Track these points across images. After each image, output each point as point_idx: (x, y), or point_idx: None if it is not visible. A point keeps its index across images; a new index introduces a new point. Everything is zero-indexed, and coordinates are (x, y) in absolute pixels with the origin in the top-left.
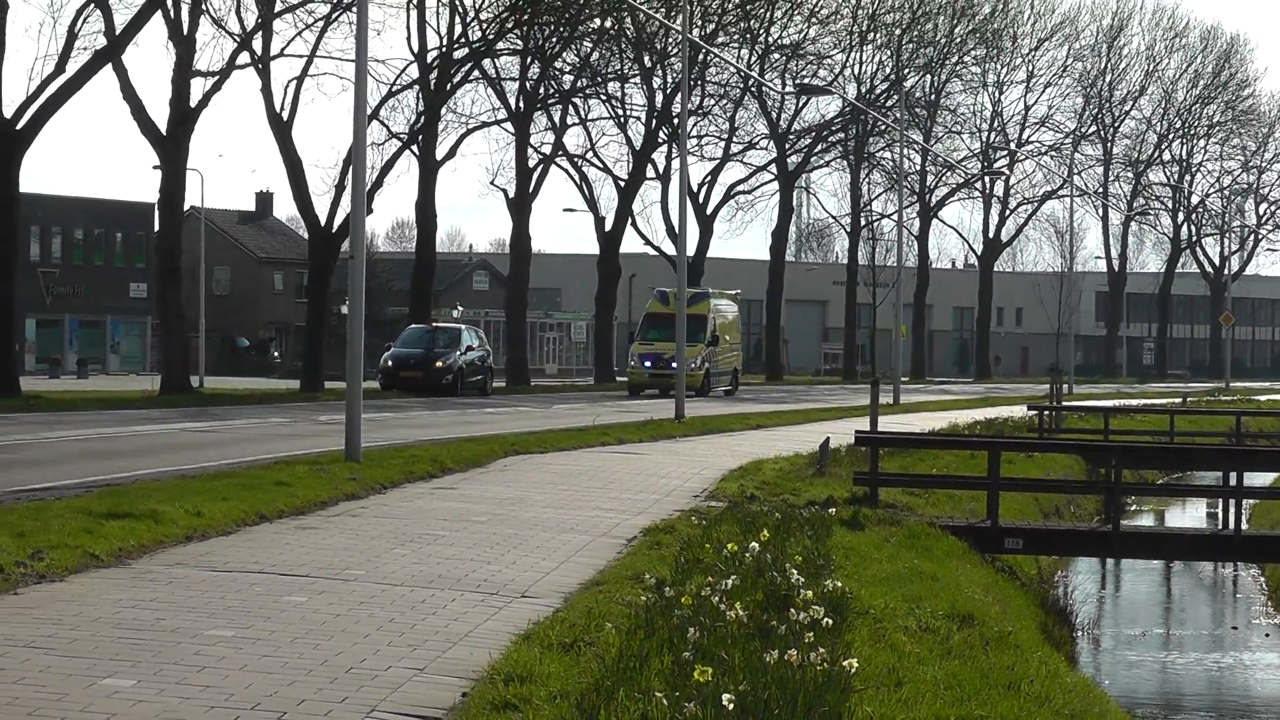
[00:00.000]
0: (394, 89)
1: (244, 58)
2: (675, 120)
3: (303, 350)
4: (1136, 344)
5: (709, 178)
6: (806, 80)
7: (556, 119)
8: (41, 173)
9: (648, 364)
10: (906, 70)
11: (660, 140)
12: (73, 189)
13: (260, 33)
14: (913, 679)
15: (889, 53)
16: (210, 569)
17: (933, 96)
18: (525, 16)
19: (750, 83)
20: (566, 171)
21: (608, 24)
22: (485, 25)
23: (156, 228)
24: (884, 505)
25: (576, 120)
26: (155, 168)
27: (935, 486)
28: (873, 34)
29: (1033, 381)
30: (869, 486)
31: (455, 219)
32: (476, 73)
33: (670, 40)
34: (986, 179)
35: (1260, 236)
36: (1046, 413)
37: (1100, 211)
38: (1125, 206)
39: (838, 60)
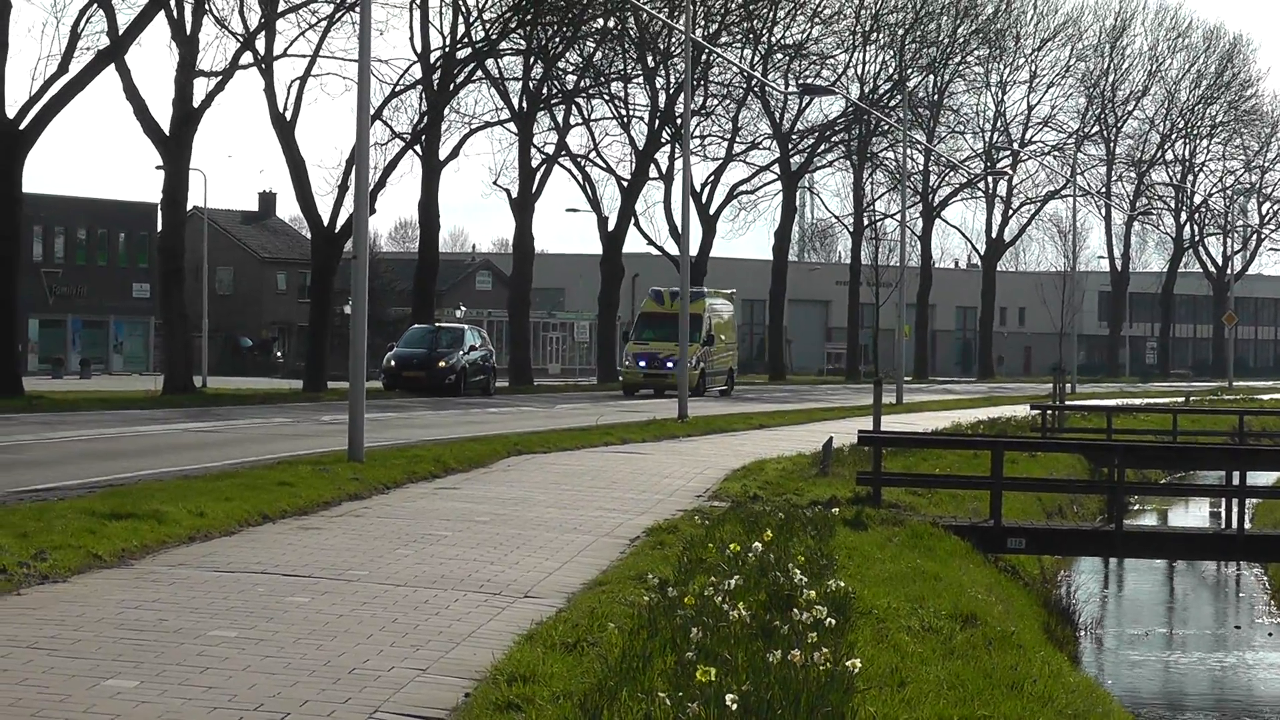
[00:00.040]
0: (397, 89)
1: (247, 58)
2: (678, 120)
3: (305, 350)
4: (1139, 344)
5: (712, 178)
6: (809, 80)
7: (559, 119)
8: (44, 173)
9: (642, 364)
10: (909, 70)
11: (663, 140)
12: (76, 189)
13: (263, 33)
14: (916, 679)
15: (892, 53)
16: (213, 569)
17: (936, 96)
18: (528, 16)
19: (753, 83)
20: (569, 171)
21: (611, 24)
22: (488, 25)
23: (159, 228)
24: (887, 505)
25: (579, 120)
26: (158, 168)
27: (938, 486)
28: (876, 34)
29: (1036, 381)
30: (872, 486)
31: (458, 219)
32: (480, 73)
33: (673, 40)
34: (989, 179)
35: (1263, 236)
36: (1049, 412)
37: (1103, 211)
38: (1128, 206)
39: (841, 60)
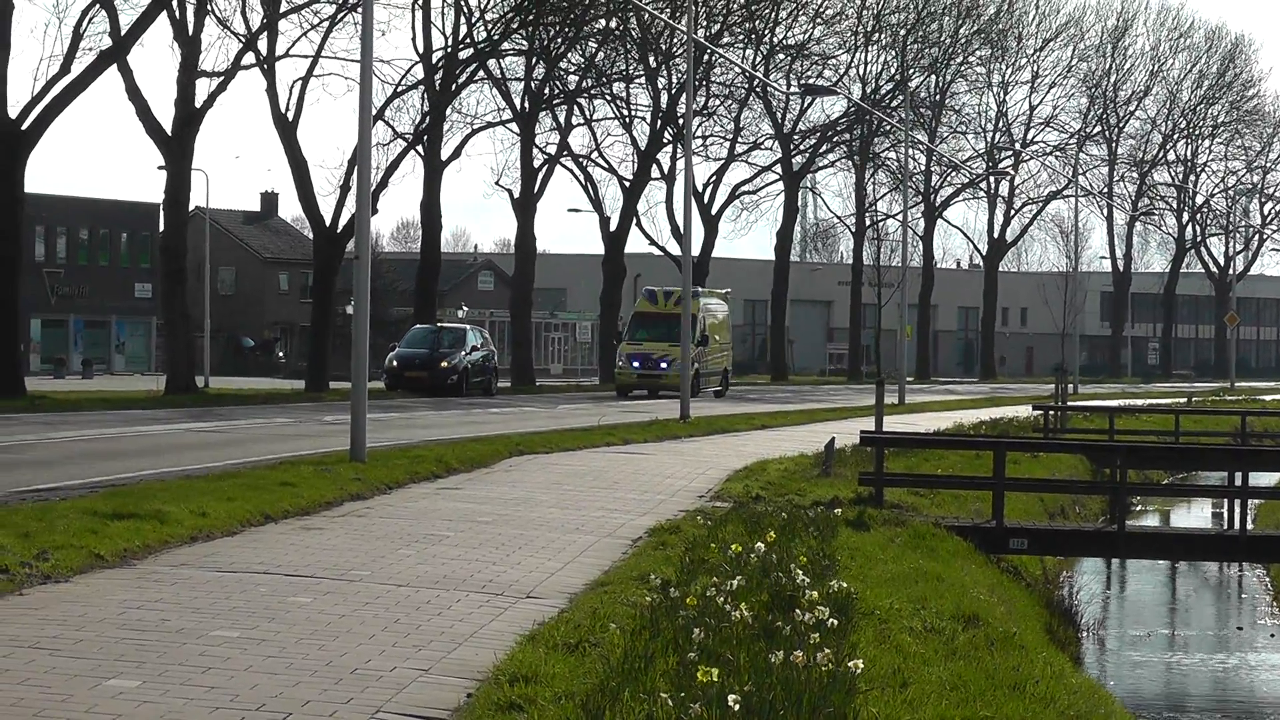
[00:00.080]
0: (399, 89)
1: (249, 58)
2: (680, 120)
3: (307, 350)
4: (1141, 344)
5: (714, 178)
6: (811, 80)
7: (561, 119)
8: (46, 173)
9: (636, 364)
10: (911, 70)
11: (665, 140)
12: (78, 189)
13: (265, 33)
14: (918, 680)
15: (894, 53)
16: (215, 569)
17: (937, 97)
18: (530, 17)
19: (755, 83)
20: (571, 172)
21: (613, 24)
22: (490, 26)
23: (161, 228)
24: (889, 505)
25: (581, 120)
26: (160, 168)
27: (940, 487)
28: (877, 34)
29: (1038, 381)
30: (874, 487)
31: (460, 219)
32: (481, 73)
33: (675, 41)
34: (991, 179)
35: (1265, 236)
36: (1051, 413)
37: (1105, 211)
38: (1130, 206)
39: (842, 60)
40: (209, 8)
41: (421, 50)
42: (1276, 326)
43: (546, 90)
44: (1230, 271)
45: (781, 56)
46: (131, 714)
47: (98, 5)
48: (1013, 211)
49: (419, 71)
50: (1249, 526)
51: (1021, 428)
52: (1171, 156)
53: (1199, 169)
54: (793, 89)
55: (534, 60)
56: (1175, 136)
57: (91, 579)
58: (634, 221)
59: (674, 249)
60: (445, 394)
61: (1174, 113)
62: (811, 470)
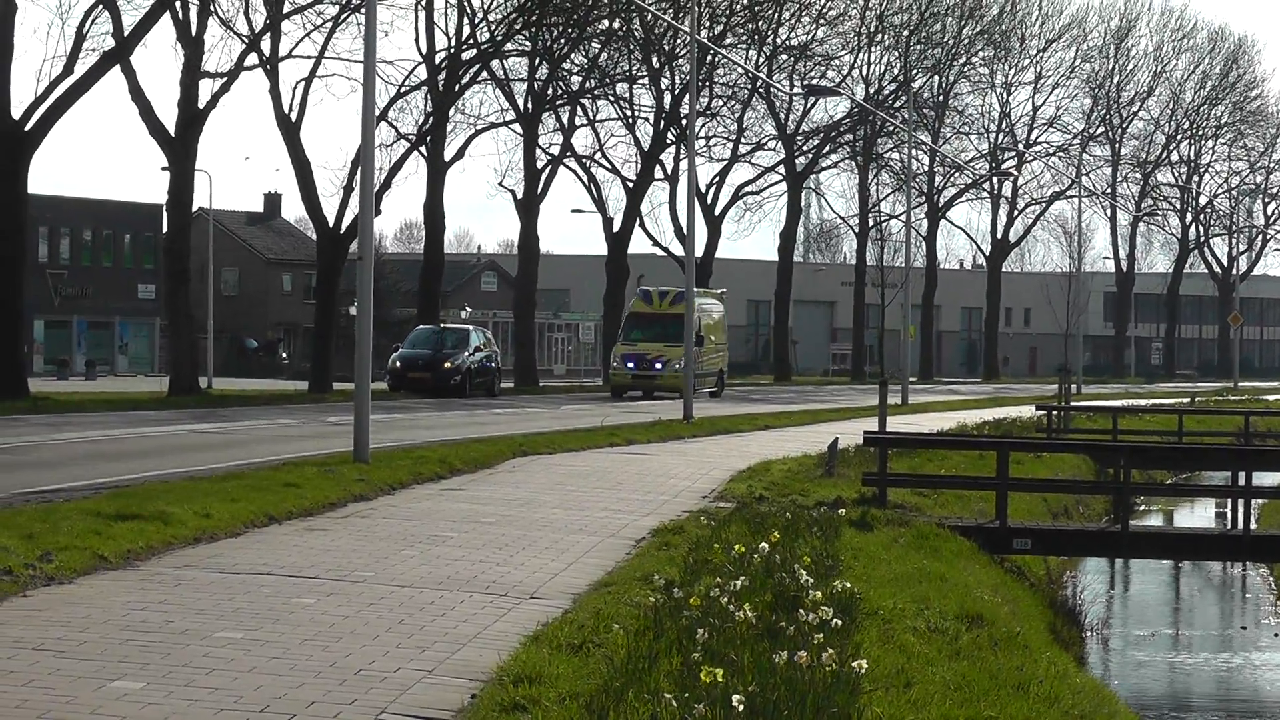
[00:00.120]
0: (402, 90)
1: (252, 59)
2: (683, 121)
3: (311, 351)
4: (1145, 344)
5: (717, 178)
6: (814, 81)
7: (565, 120)
8: (50, 174)
9: (630, 365)
10: (914, 71)
11: (668, 141)
12: (81, 190)
13: (269, 34)
14: (922, 680)
15: (897, 54)
16: (219, 571)
17: (941, 97)
18: (533, 18)
19: (758, 84)
20: (575, 172)
21: (616, 25)
22: (493, 26)
23: (165, 229)
24: (893, 506)
25: (585, 121)
26: (164, 169)
27: (944, 487)
28: (880, 35)
29: (1041, 382)
30: (877, 487)
31: (463, 220)
32: (485, 74)
33: (678, 41)
34: (994, 180)
35: (1268, 237)
36: (1055, 413)
37: (1108, 212)
38: (1133, 207)
39: (846, 61)
40: (212, 8)
41: (425, 51)
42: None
43: (550, 91)
44: (1233, 272)
45: (784, 57)
46: (136, 715)
47: (101, 6)
48: (1016, 212)
49: (422, 72)
50: (1252, 526)
51: (1025, 428)
52: (1175, 157)
53: (1202, 169)
54: (796, 90)
55: (537, 61)
56: (1178, 137)
57: (95, 580)
58: (637, 222)
59: (677, 250)
60: (448, 395)
61: (1177, 113)
62: (815, 470)
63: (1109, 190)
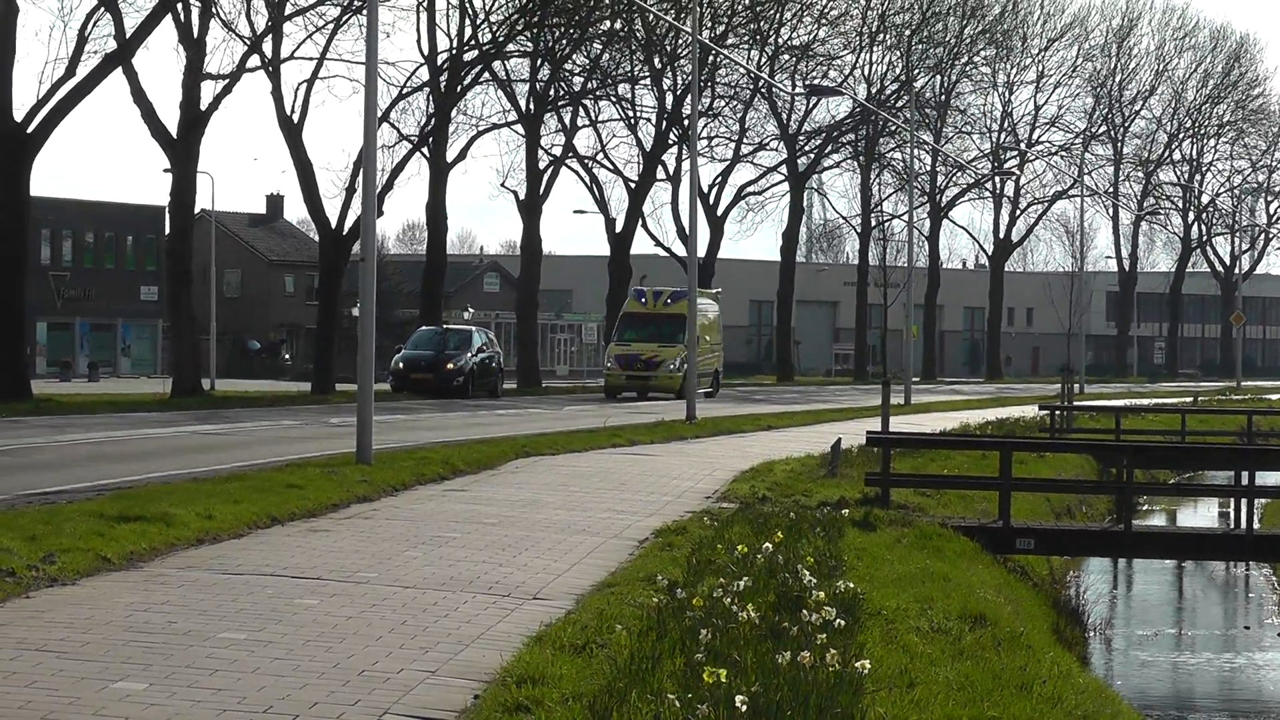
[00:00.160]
0: (404, 91)
1: (254, 60)
2: (685, 121)
3: (313, 352)
4: (1147, 344)
5: (719, 179)
6: (816, 81)
7: (567, 121)
8: (52, 176)
9: (624, 365)
10: (916, 71)
11: (670, 142)
12: (83, 192)
13: (270, 35)
14: (925, 680)
15: (899, 53)
16: (222, 572)
17: (943, 97)
18: (535, 19)
19: (760, 84)
20: (577, 173)
21: (617, 26)
22: (495, 27)
23: (167, 231)
24: (896, 506)
25: (587, 122)
26: (166, 171)
27: (947, 487)
28: (882, 35)
29: (1044, 381)
30: (880, 487)
31: (466, 221)
32: (487, 75)
33: (680, 42)
34: (997, 179)
35: (1271, 235)
36: (1058, 413)
37: (1111, 211)
38: (1135, 206)
39: (847, 61)
40: (214, 10)
41: (426, 52)
42: None
43: (551, 92)
44: (1236, 271)
45: (786, 57)
46: (139, 716)
47: (102, 8)
48: (1018, 211)
49: (424, 73)
50: (1255, 526)
51: (1028, 428)
52: (1177, 156)
53: (1204, 168)
54: (798, 90)
55: (539, 62)
56: (1180, 136)
57: (98, 582)
58: (639, 223)
59: (679, 250)
60: (451, 396)
61: (1179, 112)
62: (818, 471)
63: (1111, 189)
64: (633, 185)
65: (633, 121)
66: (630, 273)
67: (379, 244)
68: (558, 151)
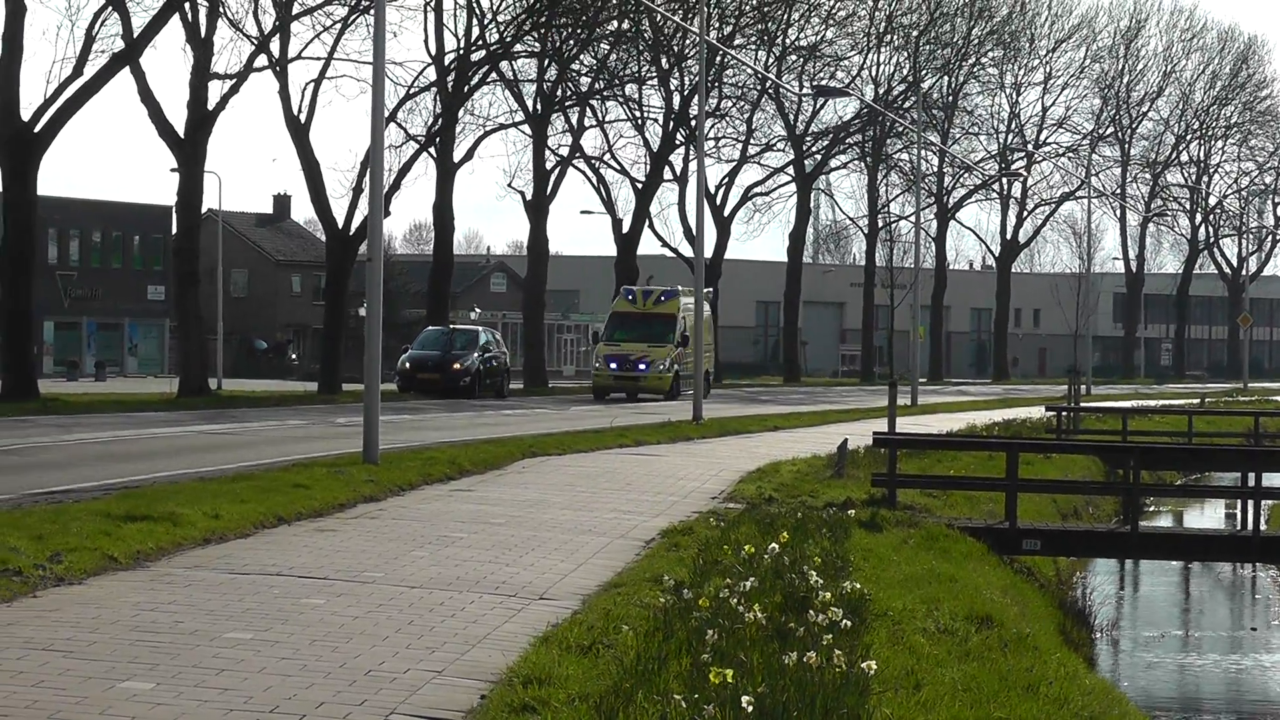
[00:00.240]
0: (411, 91)
1: (262, 60)
2: (693, 122)
3: (320, 352)
4: (1154, 345)
5: (726, 179)
6: (824, 82)
7: (574, 121)
8: (59, 176)
9: (614, 366)
10: (924, 72)
11: (678, 142)
12: (90, 192)
13: (278, 35)
14: (931, 681)
15: (906, 54)
16: (229, 571)
17: (950, 98)
18: (542, 19)
19: (767, 85)
20: (584, 173)
21: (625, 26)
22: (502, 28)
23: (174, 230)
24: (902, 507)
25: (594, 122)
26: (173, 170)
27: (953, 488)
28: (890, 36)
29: (1050, 383)
30: (887, 488)
31: (473, 221)
32: (494, 75)
33: (687, 42)
34: (1004, 180)
35: (1278, 237)
36: (1064, 414)
37: (1118, 213)
38: (1143, 208)
39: (855, 62)
40: (221, 10)
41: (434, 52)
42: None
43: (559, 92)
44: (1243, 272)
45: (794, 58)
46: (146, 716)
47: (110, 8)
48: (1025, 213)
49: (431, 73)
50: (1262, 527)
51: (1034, 429)
52: (1184, 157)
53: (1212, 170)
54: (805, 90)
55: (546, 62)
56: (1188, 137)
57: (105, 581)
58: (646, 223)
59: (686, 251)
60: (457, 396)
61: (1187, 114)
62: (824, 472)
63: (1118, 191)
64: (640, 186)
65: (640, 122)
66: (637, 273)
67: (386, 244)
68: (565, 152)
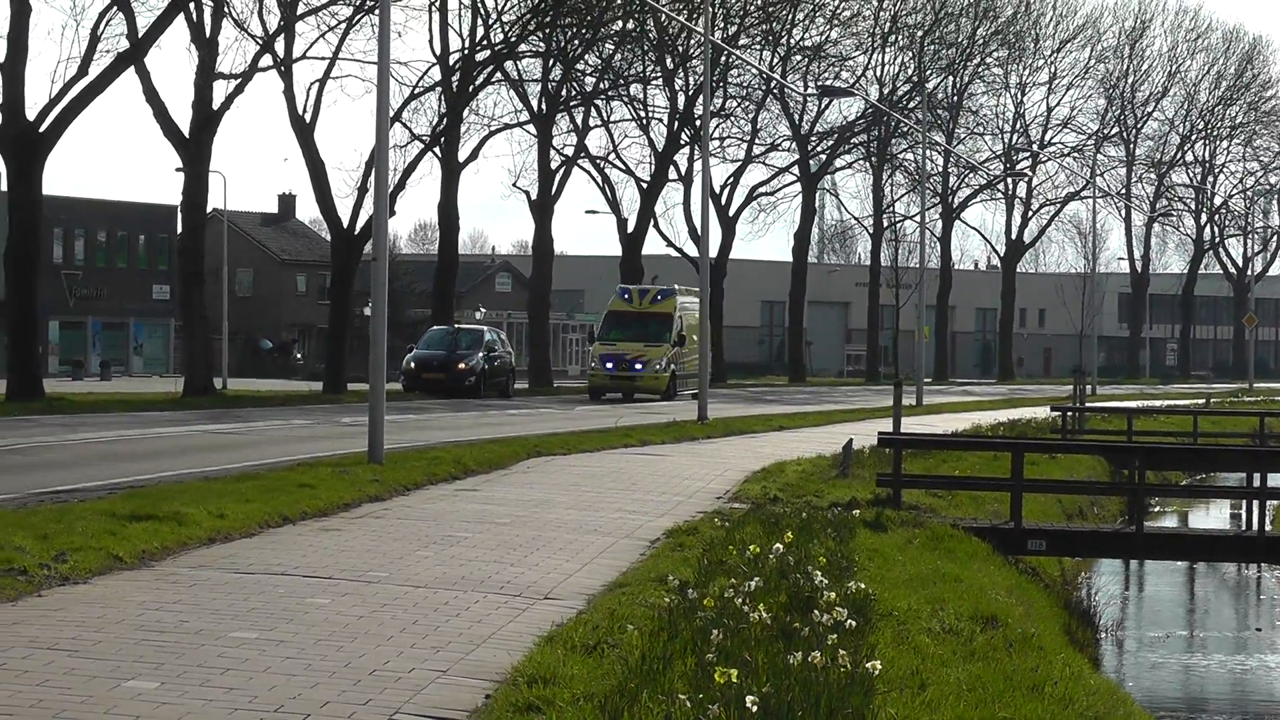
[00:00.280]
0: (416, 91)
1: (266, 60)
2: (697, 122)
3: (325, 352)
4: (1159, 345)
5: (731, 179)
6: (828, 82)
7: (579, 121)
8: (64, 175)
9: (609, 365)
10: (928, 72)
11: (682, 142)
12: (95, 192)
13: (283, 35)
14: (936, 681)
15: (911, 54)
16: (233, 571)
17: (955, 98)
18: (547, 19)
19: (772, 84)
20: (589, 173)
21: (629, 26)
22: (507, 27)
23: (179, 230)
24: (907, 507)
25: (599, 122)
26: (178, 170)
27: (958, 488)
28: (894, 36)
29: (1056, 383)
30: (892, 488)
31: (478, 221)
32: (499, 75)
33: (692, 42)
34: (1009, 180)
35: None
36: (1069, 414)
37: (1123, 213)
38: (1148, 208)
39: (859, 62)
40: (226, 10)
41: (439, 52)
42: None
43: (564, 92)
44: (1249, 272)
45: (799, 58)
46: (150, 715)
47: (115, 7)
48: (1030, 213)
49: (436, 73)
50: (1267, 528)
51: (1039, 429)
52: (1189, 157)
53: (1217, 170)
54: (810, 90)
55: (551, 62)
56: (1193, 137)
57: (110, 580)
58: (651, 223)
59: (691, 250)
60: (463, 395)
61: (1192, 114)
62: (829, 471)
63: (1124, 191)
64: (644, 185)
65: (645, 122)
66: (642, 273)
67: (391, 244)
68: (570, 151)
